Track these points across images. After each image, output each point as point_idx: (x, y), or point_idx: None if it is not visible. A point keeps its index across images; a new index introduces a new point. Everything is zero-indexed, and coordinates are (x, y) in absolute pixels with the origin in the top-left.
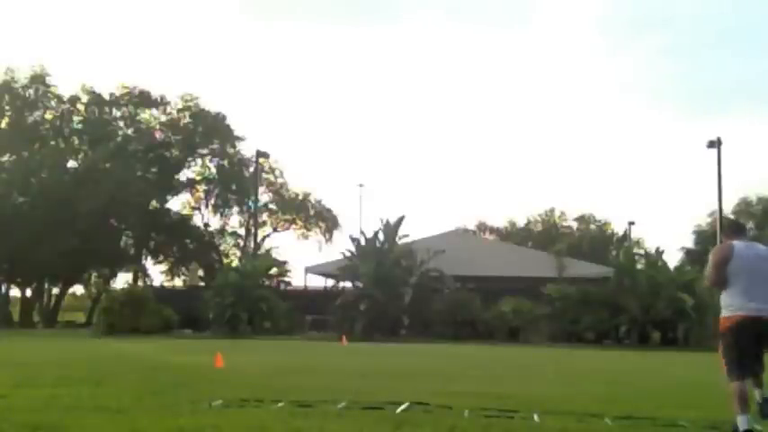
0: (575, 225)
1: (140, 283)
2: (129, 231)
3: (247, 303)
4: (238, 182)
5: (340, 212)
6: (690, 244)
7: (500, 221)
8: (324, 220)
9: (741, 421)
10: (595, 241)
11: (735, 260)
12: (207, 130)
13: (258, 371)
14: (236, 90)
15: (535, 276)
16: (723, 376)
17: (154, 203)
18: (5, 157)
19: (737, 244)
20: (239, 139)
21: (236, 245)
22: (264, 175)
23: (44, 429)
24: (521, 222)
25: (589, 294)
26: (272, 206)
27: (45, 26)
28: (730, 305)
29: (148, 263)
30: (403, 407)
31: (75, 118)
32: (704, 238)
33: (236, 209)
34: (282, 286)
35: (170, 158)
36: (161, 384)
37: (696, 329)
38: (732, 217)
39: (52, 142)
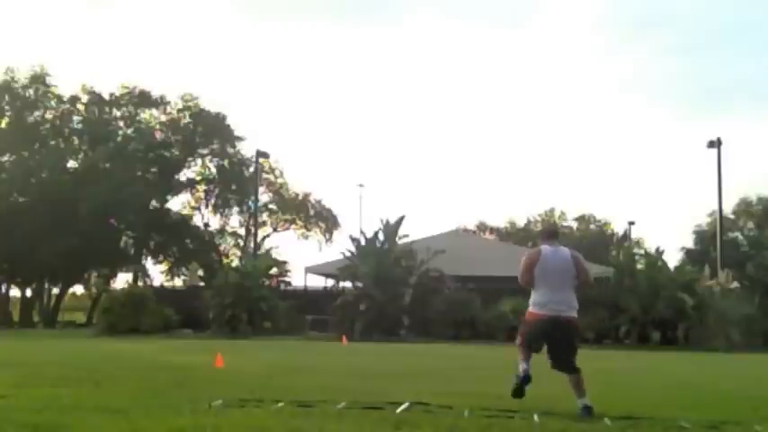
0: (575, 225)
1: (140, 283)
2: (129, 231)
3: (247, 303)
4: (238, 182)
5: (340, 212)
6: (690, 244)
7: (500, 221)
8: (324, 220)
9: (521, 365)
10: (595, 241)
11: (540, 263)
12: (207, 130)
13: (258, 371)
14: (236, 90)
15: None
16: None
17: (154, 203)
18: (5, 157)
19: (545, 249)
20: (239, 139)
21: (236, 245)
22: (264, 175)
23: (44, 429)
24: (521, 222)
25: (589, 294)
26: (272, 206)
27: (45, 26)
28: (536, 303)
29: (148, 263)
30: (403, 407)
31: (75, 118)
32: (704, 238)
33: (236, 209)
34: (282, 286)
35: (170, 158)
36: (161, 384)
37: (696, 329)
38: (732, 217)
39: (52, 142)
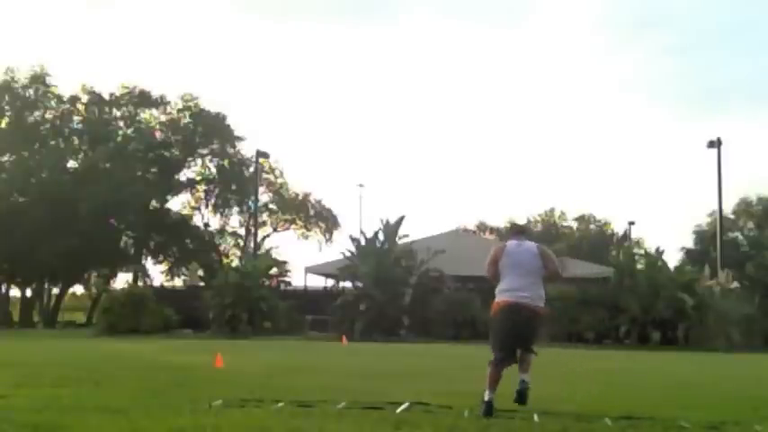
0: (575, 225)
1: (140, 283)
2: (129, 231)
3: (247, 303)
4: (238, 182)
5: (340, 212)
6: (690, 244)
7: (500, 221)
8: (324, 220)
9: (487, 394)
10: (595, 241)
11: (504, 257)
12: (207, 130)
13: (258, 371)
14: (236, 90)
15: None
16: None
17: (154, 203)
18: (5, 157)
19: (510, 243)
20: (239, 139)
21: (236, 245)
22: (264, 175)
23: (44, 429)
24: (521, 222)
25: (589, 294)
26: (272, 206)
27: (45, 26)
28: (500, 290)
29: (148, 263)
30: (403, 407)
31: (76, 118)
32: (704, 238)
33: (236, 209)
34: (282, 286)
35: (170, 158)
36: (161, 384)
37: (696, 329)
38: (732, 217)
39: (52, 142)
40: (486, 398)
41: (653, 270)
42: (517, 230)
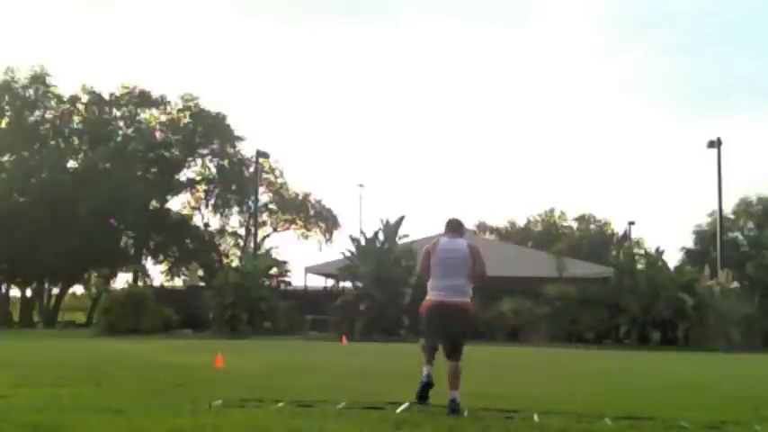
0: (575, 225)
1: (140, 283)
2: (129, 231)
3: (247, 303)
4: (238, 182)
5: (340, 212)
6: (690, 244)
7: (500, 221)
8: (324, 220)
9: (425, 369)
10: (595, 241)
11: (435, 254)
12: (207, 130)
13: (258, 371)
14: (236, 90)
15: (535, 276)
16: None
17: (154, 203)
18: (5, 157)
19: (442, 240)
20: (239, 139)
21: (236, 245)
22: (264, 175)
23: (44, 429)
24: (521, 222)
25: (589, 294)
26: (272, 206)
27: (45, 26)
28: (429, 291)
29: (148, 263)
30: (403, 407)
31: (76, 118)
32: (704, 238)
33: (236, 209)
34: (282, 286)
35: (170, 158)
36: (161, 384)
37: (696, 329)
38: (732, 217)
39: (52, 142)
40: (425, 373)
41: (653, 270)
42: (452, 227)
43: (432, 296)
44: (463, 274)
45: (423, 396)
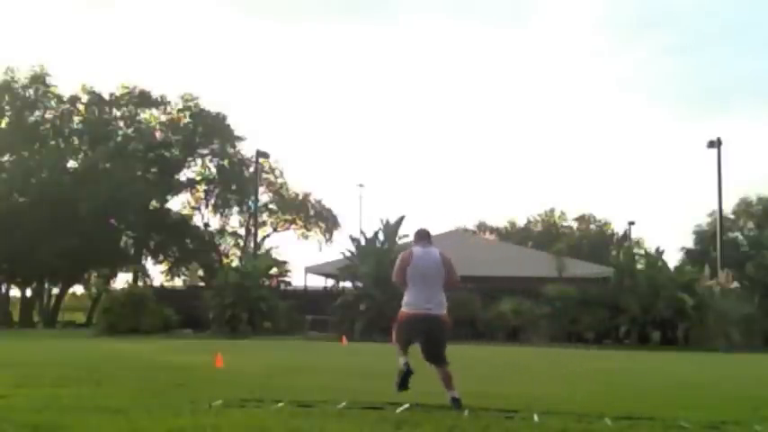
0: (575, 225)
1: (140, 283)
2: (129, 231)
3: (247, 303)
4: (238, 182)
5: (340, 212)
6: (690, 244)
7: (500, 221)
8: (324, 220)
9: (402, 359)
10: (595, 241)
11: (412, 264)
12: (207, 130)
13: (258, 371)
14: (236, 90)
15: (535, 276)
16: (395, 349)
17: (154, 203)
18: (5, 157)
19: (416, 250)
20: (239, 139)
21: (236, 245)
22: (264, 175)
23: (44, 429)
24: (521, 222)
25: (589, 294)
26: (272, 206)
27: (45, 26)
28: (407, 303)
29: (148, 263)
30: (403, 407)
31: (76, 118)
32: (704, 238)
33: (236, 209)
34: (282, 286)
35: (170, 158)
36: (161, 384)
37: (696, 329)
38: (732, 217)
39: (52, 142)
40: (402, 362)
41: (653, 270)
42: (422, 236)
43: (412, 309)
44: (439, 284)
45: (404, 384)
